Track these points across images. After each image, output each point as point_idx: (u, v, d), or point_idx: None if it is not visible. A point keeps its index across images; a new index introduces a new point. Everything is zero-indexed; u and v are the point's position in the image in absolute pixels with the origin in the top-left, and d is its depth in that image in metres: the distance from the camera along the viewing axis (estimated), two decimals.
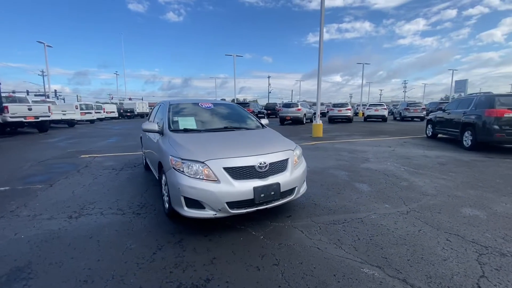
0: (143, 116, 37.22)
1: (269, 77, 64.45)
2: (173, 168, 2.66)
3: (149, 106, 36.62)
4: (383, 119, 20.70)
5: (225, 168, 2.57)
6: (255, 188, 2.57)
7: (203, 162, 2.59)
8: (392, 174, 4.88)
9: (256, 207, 2.64)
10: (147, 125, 3.56)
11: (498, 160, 6.00)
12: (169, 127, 3.44)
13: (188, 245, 2.45)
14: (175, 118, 3.65)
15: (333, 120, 19.32)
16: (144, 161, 5.36)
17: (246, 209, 2.61)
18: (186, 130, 3.42)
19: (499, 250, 2.30)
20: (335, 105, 19.37)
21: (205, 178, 2.54)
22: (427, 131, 10.54)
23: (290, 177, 2.86)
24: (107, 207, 3.37)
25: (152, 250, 2.37)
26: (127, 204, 3.49)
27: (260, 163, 2.69)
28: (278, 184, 2.72)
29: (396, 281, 1.92)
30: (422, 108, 21.28)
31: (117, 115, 30.10)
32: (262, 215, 3.04)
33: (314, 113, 13.71)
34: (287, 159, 2.95)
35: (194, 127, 3.55)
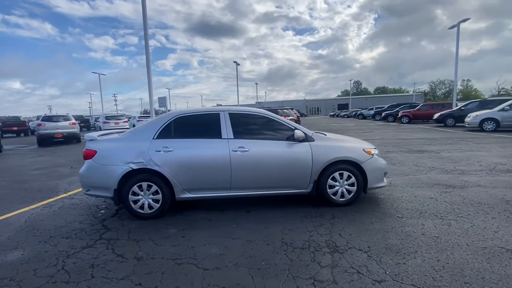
0: None
1: None
2: (374, 155, 3.64)
3: None
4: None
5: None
6: None
7: (375, 148, 3.89)
8: None
9: None
10: (301, 133, 3.42)
11: None
12: (309, 132, 3.69)
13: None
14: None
15: None
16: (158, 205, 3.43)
17: None
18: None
19: (462, 171, 6.36)
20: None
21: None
22: None
23: None
24: None
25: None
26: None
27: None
28: None
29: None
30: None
31: None
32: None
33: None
34: None
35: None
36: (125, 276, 2.24)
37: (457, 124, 15.86)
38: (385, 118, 24.79)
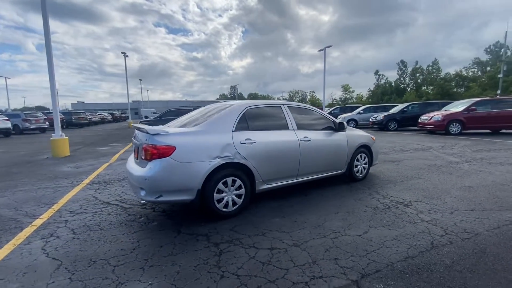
0: None
1: None
2: (375, 141, 4.93)
3: None
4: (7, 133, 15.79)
5: None
6: None
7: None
8: None
9: None
10: (345, 124, 4.18)
11: None
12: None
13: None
14: None
15: None
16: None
17: None
18: None
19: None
20: None
21: None
22: None
23: None
24: None
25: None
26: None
27: None
28: None
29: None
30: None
31: None
32: None
33: None
34: None
35: None
36: (315, 259, 2.30)
37: None
38: None
